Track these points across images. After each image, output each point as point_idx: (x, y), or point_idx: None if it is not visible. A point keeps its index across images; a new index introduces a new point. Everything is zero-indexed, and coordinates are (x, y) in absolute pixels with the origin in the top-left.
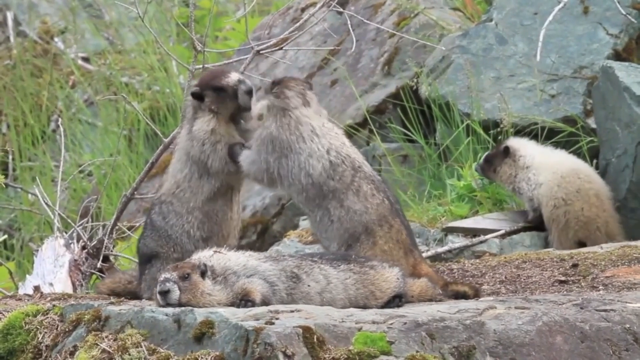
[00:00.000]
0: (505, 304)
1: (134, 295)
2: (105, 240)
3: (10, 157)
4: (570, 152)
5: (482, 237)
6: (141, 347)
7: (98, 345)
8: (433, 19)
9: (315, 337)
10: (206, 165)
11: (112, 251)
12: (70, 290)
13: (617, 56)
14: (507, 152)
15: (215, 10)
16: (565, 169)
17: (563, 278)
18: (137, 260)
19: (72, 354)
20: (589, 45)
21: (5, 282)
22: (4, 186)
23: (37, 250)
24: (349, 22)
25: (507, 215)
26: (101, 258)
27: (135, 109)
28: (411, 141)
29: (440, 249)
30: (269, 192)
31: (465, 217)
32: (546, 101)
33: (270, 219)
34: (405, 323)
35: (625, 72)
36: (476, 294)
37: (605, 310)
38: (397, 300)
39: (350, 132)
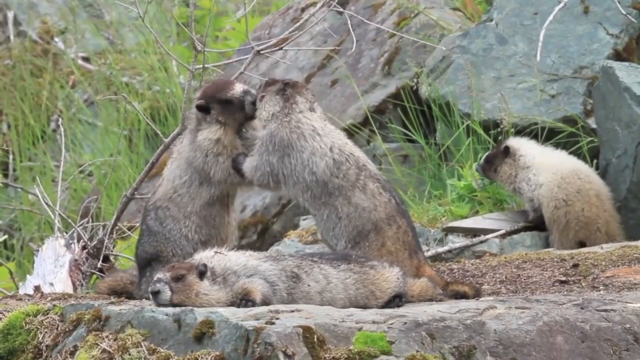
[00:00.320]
0: (505, 303)
1: (134, 296)
2: (106, 240)
3: (11, 157)
4: (570, 152)
5: (482, 237)
6: (141, 347)
7: (98, 345)
8: (433, 19)
9: (315, 336)
10: (208, 175)
11: (112, 251)
12: (70, 290)
13: (618, 56)
14: (507, 151)
15: (216, 10)
16: (565, 169)
17: (563, 278)
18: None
19: (72, 353)
20: (589, 45)
21: (5, 282)
22: (4, 186)
23: (38, 250)
24: (349, 22)
25: (507, 215)
26: (101, 258)
27: (136, 109)
28: (411, 141)
29: (440, 249)
30: (272, 194)
31: (466, 217)
32: (546, 101)
33: (271, 219)
34: (405, 323)
35: (625, 72)
36: (477, 294)
37: (605, 310)
38: (397, 300)
39: (351, 132)
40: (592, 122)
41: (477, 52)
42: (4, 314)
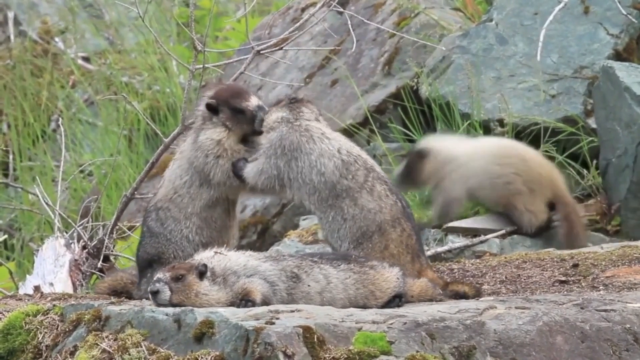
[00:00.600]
0: (505, 303)
1: (133, 296)
2: (106, 240)
3: (11, 156)
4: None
5: (482, 237)
6: (141, 347)
7: (98, 345)
8: (433, 19)
9: (315, 336)
10: (208, 176)
11: (112, 251)
12: (70, 290)
13: (618, 56)
14: (422, 154)
15: (216, 10)
16: (493, 146)
17: (563, 278)
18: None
19: (72, 353)
20: (589, 45)
21: (5, 282)
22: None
23: (38, 250)
24: (349, 22)
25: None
26: (102, 258)
27: (136, 109)
28: (411, 141)
29: (440, 249)
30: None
31: (466, 217)
32: (547, 101)
33: (271, 219)
34: (405, 323)
35: (625, 72)
36: (477, 294)
37: (605, 310)
38: (397, 300)
39: (351, 132)
40: (592, 122)
41: (477, 52)
42: (3, 314)
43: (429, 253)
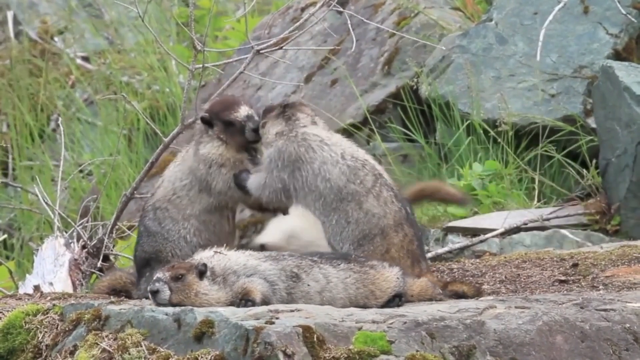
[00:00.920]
0: (505, 303)
1: (132, 296)
2: (106, 240)
3: (10, 156)
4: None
5: (482, 237)
6: (141, 346)
7: (98, 344)
8: (433, 19)
9: (315, 336)
10: (210, 185)
11: (112, 250)
12: (70, 290)
13: (617, 56)
14: None
15: (215, 10)
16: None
17: (563, 278)
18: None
19: (72, 353)
20: (589, 45)
21: (5, 281)
22: (4, 185)
23: (37, 250)
24: (349, 21)
25: (507, 215)
26: (101, 257)
27: (135, 109)
28: (411, 141)
29: (440, 250)
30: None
31: (465, 217)
32: (546, 101)
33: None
34: (405, 322)
35: (625, 72)
36: (476, 294)
37: (605, 310)
38: (397, 299)
39: (351, 132)
40: (591, 122)
41: (477, 52)
42: (3, 314)
43: (429, 255)
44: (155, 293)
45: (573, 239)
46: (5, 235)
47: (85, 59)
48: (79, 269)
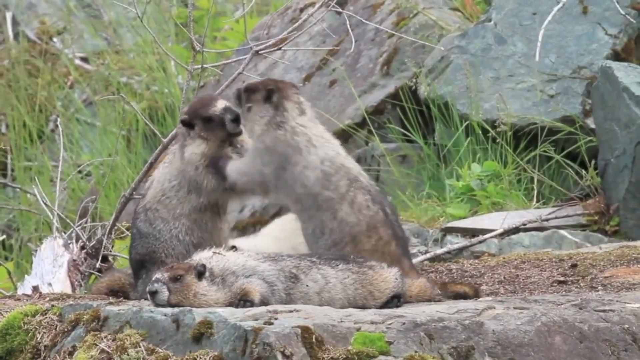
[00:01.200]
0: (504, 304)
1: (130, 297)
2: (104, 241)
3: (9, 156)
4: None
5: (480, 237)
6: (140, 347)
7: (97, 345)
8: (432, 19)
9: (314, 337)
10: (200, 186)
11: (111, 251)
12: (69, 291)
13: (616, 56)
14: None
15: (214, 11)
16: None
17: (562, 278)
18: None
19: (70, 354)
20: (588, 46)
21: (4, 282)
22: (3, 186)
23: (36, 251)
24: (347, 22)
25: (506, 215)
26: (100, 258)
27: (134, 109)
28: (410, 141)
29: (439, 250)
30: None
31: (464, 217)
32: (545, 101)
33: (269, 219)
34: (404, 323)
35: (624, 72)
36: (475, 294)
37: (604, 311)
38: (395, 300)
39: (349, 132)
40: (591, 122)
41: (475, 52)
42: (2, 314)
43: (428, 255)
44: (153, 294)
45: (572, 239)
46: (4, 236)
47: (84, 59)
48: (78, 269)
